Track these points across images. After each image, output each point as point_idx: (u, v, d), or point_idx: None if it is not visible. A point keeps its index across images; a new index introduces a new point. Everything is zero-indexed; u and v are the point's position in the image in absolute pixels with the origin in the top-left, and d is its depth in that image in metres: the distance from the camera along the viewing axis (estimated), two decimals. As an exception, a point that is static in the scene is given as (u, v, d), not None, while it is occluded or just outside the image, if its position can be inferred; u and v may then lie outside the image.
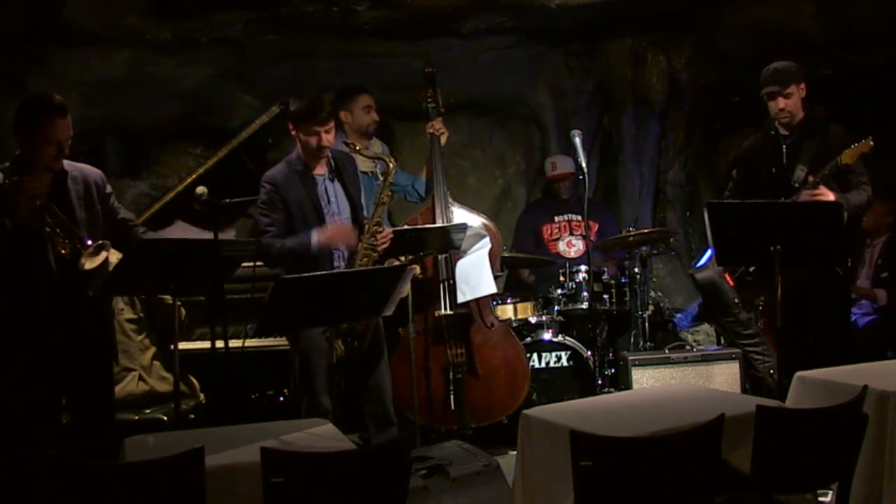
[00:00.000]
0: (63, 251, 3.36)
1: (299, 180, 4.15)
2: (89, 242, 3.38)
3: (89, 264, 3.34)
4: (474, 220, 4.88)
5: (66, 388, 3.56)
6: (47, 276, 3.45)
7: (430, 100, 4.96)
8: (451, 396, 4.73)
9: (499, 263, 5.05)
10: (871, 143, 4.12)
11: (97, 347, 3.65)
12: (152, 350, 4.46)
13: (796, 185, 4.36)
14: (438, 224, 4.76)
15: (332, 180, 4.24)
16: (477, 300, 4.83)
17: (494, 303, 5.22)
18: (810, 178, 4.26)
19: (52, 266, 3.44)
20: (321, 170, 4.23)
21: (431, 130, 4.93)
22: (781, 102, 4.42)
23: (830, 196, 4.20)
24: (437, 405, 4.76)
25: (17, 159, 3.45)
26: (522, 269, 6.06)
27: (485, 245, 4.87)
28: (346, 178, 4.26)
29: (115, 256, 3.47)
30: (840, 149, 4.23)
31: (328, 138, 4.10)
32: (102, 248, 3.37)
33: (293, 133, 4.15)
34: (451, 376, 4.74)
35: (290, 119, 4.13)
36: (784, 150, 4.49)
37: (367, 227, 4.17)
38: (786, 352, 4.30)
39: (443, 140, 4.98)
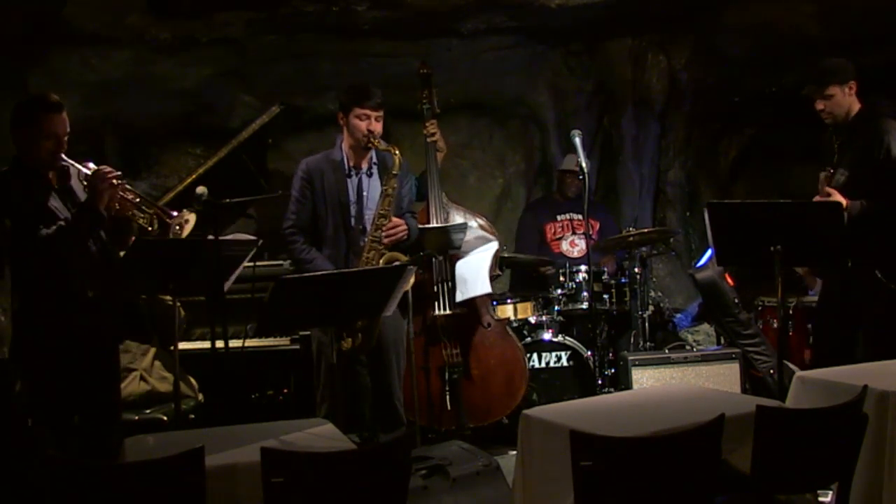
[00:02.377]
0: (150, 228, 3.47)
1: (332, 171, 4.27)
2: (174, 214, 3.52)
3: (186, 230, 3.51)
4: (470, 222, 4.89)
5: (79, 386, 3.55)
6: (81, 277, 3.46)
7: (425, 101, 4.97)
8: (448, 396, 4.73)
9: (497, 263, 5.05)
10: None
11: (111, 347, 3.66)
12: (153, 350, 4.46)
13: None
14: (437, 224, 4.76)
15: (369, 175, 4.33)
16: (474, 300, 4.83)
17: (494, 303, 5.22)
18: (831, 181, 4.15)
19: (90, 258, 3.47)
20: (362, 164, 4.32)
21: (425, 132, 4.95)
22: (820, 104, 4.29)
23: (839, 198, 4.09)
24: (434, 405, 4.76)
25: (16, 160, 3.46)
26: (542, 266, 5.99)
27: (491, 248, 4.87)
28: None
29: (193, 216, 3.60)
30: (871, 147, 4.16)
31: (377, 126, 4.20)
32: (185, 213, 3.53)
33: (341, 122, 4.29)
34: (447, 376, 4.75)
35: (340, 106, 4.29)
36: (836, 150, 4.36)
37: (372, 219, 4.20)
38: (821, 353, 4.25)
39: (440, 144, 4.98)
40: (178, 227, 3.53)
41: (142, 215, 3.51)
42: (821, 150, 4.52)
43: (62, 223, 3.36)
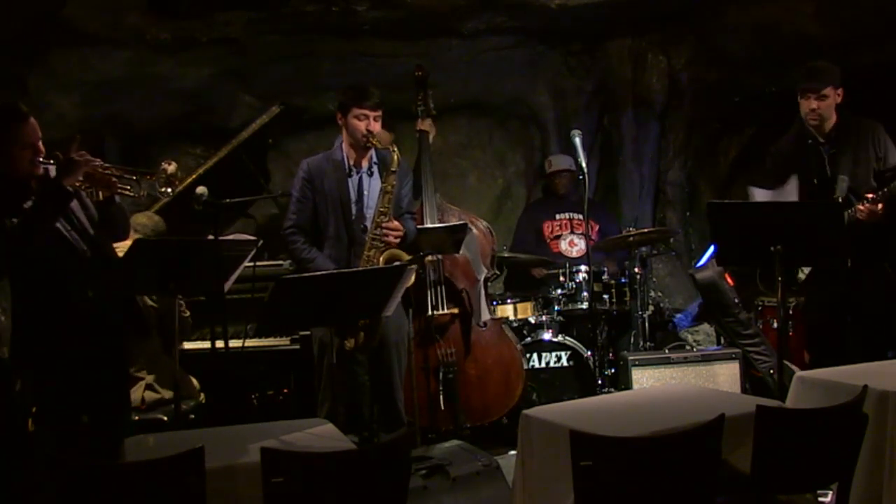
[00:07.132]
0: (140, 195, 3.49)
1: (333, 171, 4.30)
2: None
3: (171, 169, 3.53)
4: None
5: (86, 386, 3.52)
6: (81, 272, 3.45)
7: (419, 103, 4.99)
8: (442, 396, 4.74)
9: (491, 263, 5.05)
10: None
11: (116, 345, 3.66)
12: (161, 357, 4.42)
13: (840, 198, 4.21)
14: (433, 224, 4.76)
15: (370, 175, 4.35)
16: (469, 300, 4.83)
17: (494, 303, 5.21)
18: (869, 196, 4.11)
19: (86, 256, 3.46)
20: (363, 163, 4.35)
21: (422, 127, 4.96)
22: (814, 103, 4.28)
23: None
24: (430, 405, 4.76)
25: None
26: (535, 268, 6.02)
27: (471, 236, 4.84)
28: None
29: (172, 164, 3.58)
30: (878, 147, 4.22)
31: (376, 126, 4.23)
32: (162, 164, 3.54)
33: (340, 122, 4.32)
34: (441, 376, 4.76)
35: (339, 107, 4.33)
36: (826, 159, 4.33)
37: (373, 217, 4.21)
38: (817, 351, 4.27)
39: (430, 138, 5.00)
40: (164, 177, 3.50)
41: (127, 186, 3.48)
42: (786, 159, 4.46)
43: (27, 207, 3.28)
